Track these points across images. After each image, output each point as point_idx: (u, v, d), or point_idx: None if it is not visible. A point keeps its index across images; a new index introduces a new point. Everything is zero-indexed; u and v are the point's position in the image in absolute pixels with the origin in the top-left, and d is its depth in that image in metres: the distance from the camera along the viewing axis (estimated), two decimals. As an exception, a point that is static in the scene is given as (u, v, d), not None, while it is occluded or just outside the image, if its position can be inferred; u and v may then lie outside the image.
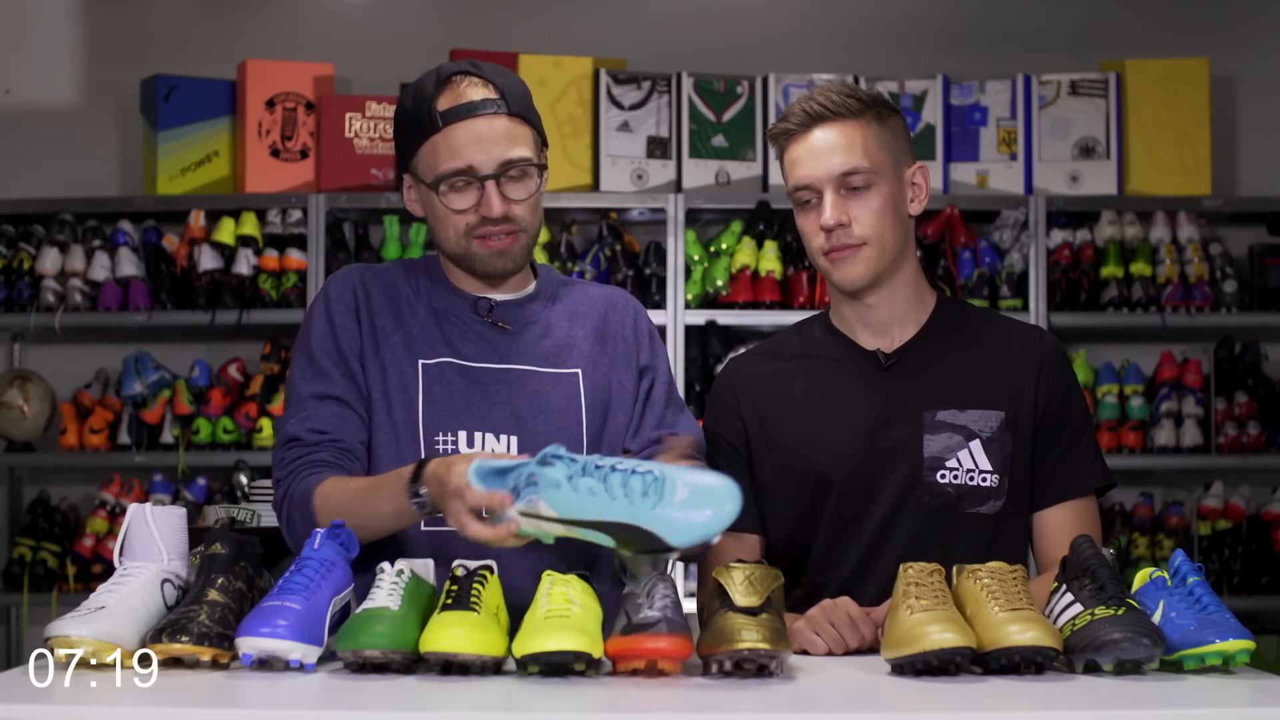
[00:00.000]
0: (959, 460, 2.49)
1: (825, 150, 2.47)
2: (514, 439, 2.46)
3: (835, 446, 2.51)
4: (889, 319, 2.56)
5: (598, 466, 2.06)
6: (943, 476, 2.48)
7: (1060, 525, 2.49)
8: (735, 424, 2.60)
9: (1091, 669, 2.03)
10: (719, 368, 4.79)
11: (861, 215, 2.47)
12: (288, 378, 2.57)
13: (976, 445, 2.49)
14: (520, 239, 2.48)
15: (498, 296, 2.54)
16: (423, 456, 2.40)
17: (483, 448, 2.45)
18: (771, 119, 5.01)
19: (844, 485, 2.50)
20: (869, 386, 2.53)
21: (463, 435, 2.46)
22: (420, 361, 2.48)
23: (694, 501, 2.04)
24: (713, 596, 2.11)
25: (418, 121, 2.45)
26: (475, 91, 2.44)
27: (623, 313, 2.61)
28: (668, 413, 2.58)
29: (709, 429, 2.64)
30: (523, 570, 2.27)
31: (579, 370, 2.53)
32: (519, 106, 2.46)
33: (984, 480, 2.49)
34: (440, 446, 2.45)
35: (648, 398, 2.59)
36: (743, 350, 2.73)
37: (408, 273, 2.58)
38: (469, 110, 2.42)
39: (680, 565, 3.83)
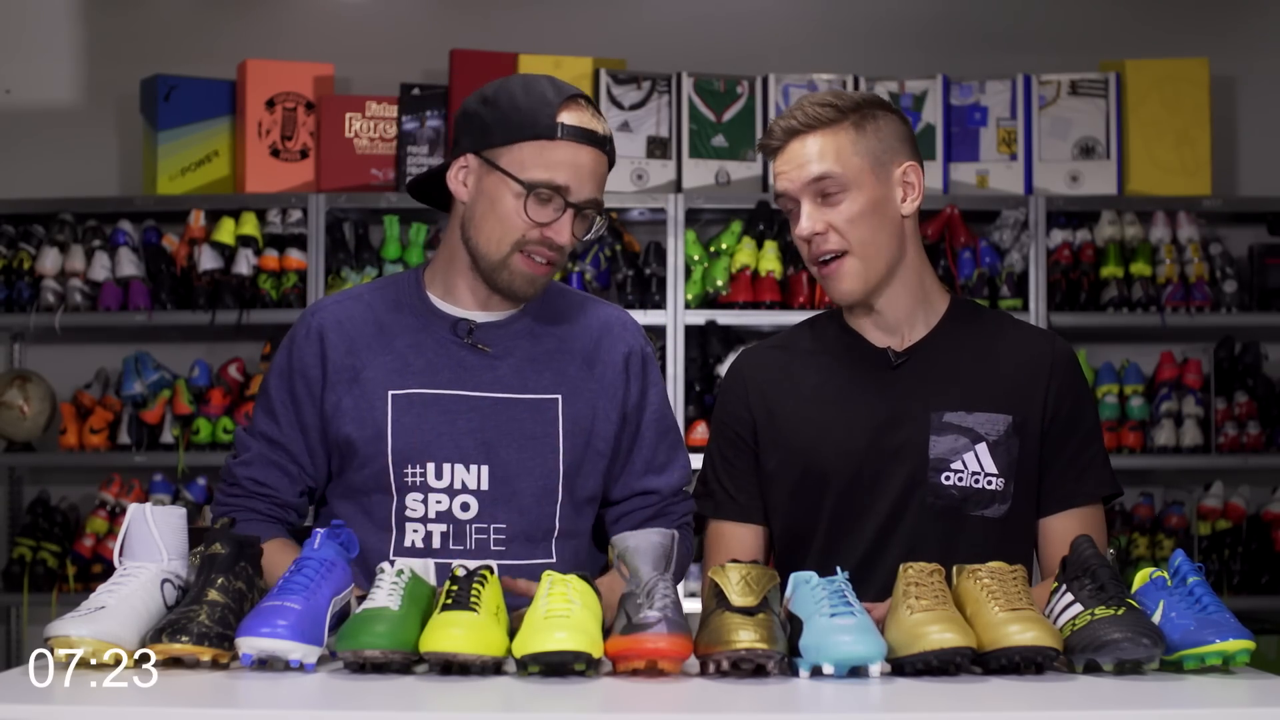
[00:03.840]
0: (964, 462, 2.49)
1: (799, 161, 2.49)
2: (484, 468, 2.46)
3: (840, 442, 2.51)
4: (896, 319, 2.56)
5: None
6: (947, 478, 2.48)
7: (1065, 532, 2.48)
8: (743, 414, 2.60)
9: (1091, 669, 2.03)
10: (719, 367, 4.80)
11: (838, 222, 2.48)
12: (257, 393, 2.59)
13: (983, 448, 2.49)
14: (555, 270, 2.49)
15: (480, 317, 2.53)
16: (393, 489, 2.46)
17: (451, 478, 2.46)
18: (772, 119, 5.00)
19: (847, 482, 2.50)
20: (878, 385, 2.53)
21: (431, 467, 2.46)
22: (390, 392, 2.47)
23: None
24: (709, 597, 2.11)
25: (533, 119, 2.41)
26: (597, 124, 2.45)
27: (617, 340, 2.59)
28: (658, 453, 2.58)
29: (717, 417, 2.65)
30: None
31: (559, 396, 2.51)
32: (614, 155, 2.50)
33: (989, 483, 2.49)
34: (410, 478, 2.46)
35: (636, 437, 2.58)
36: (754, 344, 2.73)
37: (385, 295, 2.56)
38: (589, 137, 2.43)
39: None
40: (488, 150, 2.44)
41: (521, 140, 2.41)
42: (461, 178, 2.48)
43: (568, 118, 2.42)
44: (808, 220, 2.48)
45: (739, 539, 2.56)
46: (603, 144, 2.45)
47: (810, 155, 2.48)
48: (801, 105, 2.51)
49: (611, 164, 2.50)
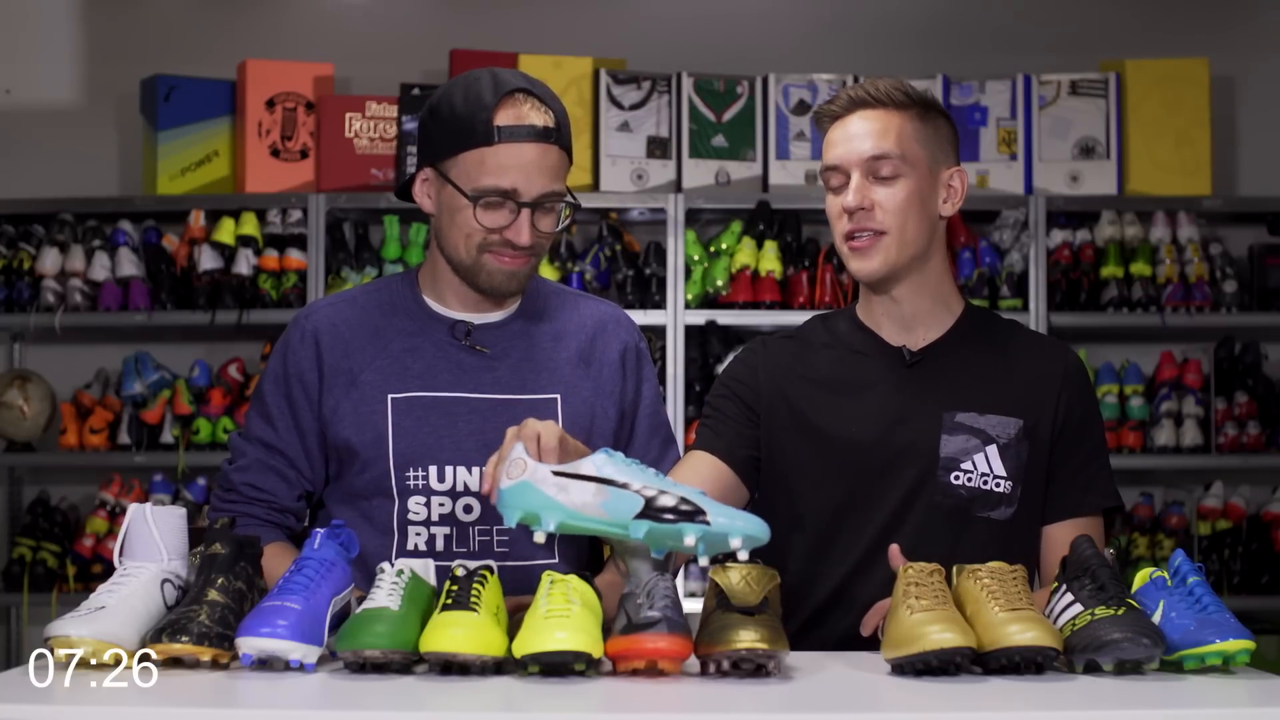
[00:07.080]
0: (974, 463, 2.49)
1: (860, 135, 2.50)
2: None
3: (851, 434, 2.51)
4: (913, 316, 2.56)
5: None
6: (956, 478, 2.48)
7: (1066, 541, 2.48)
8: (751, 380, 2.58)
9: (1091, 669, 2.03)
10: (719, 367, 4.79)
11: (886, 203, 2.48)
12: (250, 398, 2.58)
13: (993, 450, 2.49)
14: (532, 262, 2.47)
15: (476, 319, 2.52)
16: (394, 492, 2.45)
17: (454, 480, 2.46)
18: (772, 119, 5.01)
19: (855, 473, 2.50)
20: (892, 381, 2.54)
21: (433, 470, 2.46)
22: (390, 396, 2.47)
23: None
24: (710, 596, 2.11)
25: (470, 127, 2.40)
26: (536, 116, 2.41)
27: (612, 337, 2.58)
28: (649, 449, 2.57)
29: (720, 379, 2.64)
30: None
31: (558, 395, 2.50)
32: (567, 140, 2.45)
33: (997, 485, 2.49)
34: (411, 481, 2.45)
35: (631, 434, 2.57)
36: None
37: (379, 297, 2.55)
38: (528, 134, 2.39)
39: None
40: (439, 163, 2.45)
41: (463, 150, 2.40)
42: (425, 191, 2.49)
43: (504, 118, 2.39)
44: (856, 194, 2.48)
45: (695, 459, 2.54)
46: (546, 136, 2.41)
47: (875, 131, 2.49)
48: (871, 82, 2.53)
49: (566, 148, 2.44)
